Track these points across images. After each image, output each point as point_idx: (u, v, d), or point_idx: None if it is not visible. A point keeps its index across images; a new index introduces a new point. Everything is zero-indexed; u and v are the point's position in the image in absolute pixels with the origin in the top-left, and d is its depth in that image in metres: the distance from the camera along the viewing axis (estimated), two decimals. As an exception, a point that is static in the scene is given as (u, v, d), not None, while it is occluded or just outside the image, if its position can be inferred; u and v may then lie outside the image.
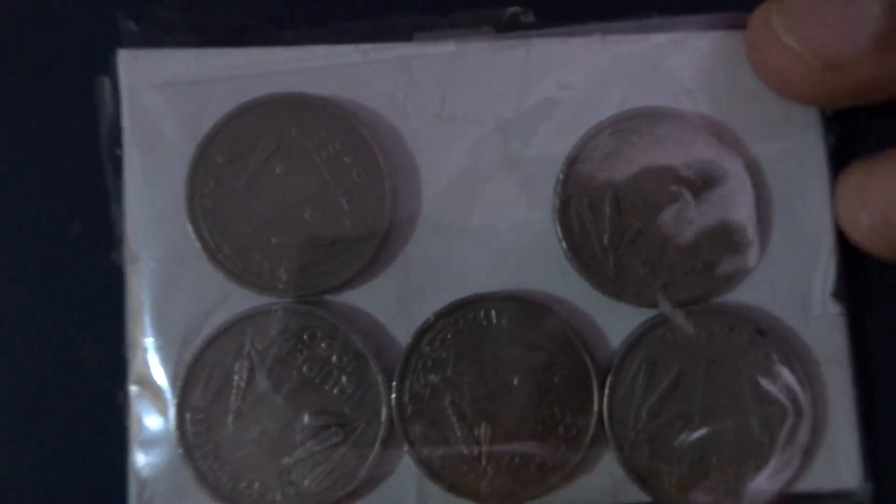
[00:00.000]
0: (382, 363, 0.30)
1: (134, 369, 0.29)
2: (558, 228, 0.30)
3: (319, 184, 0.30)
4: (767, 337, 0.30)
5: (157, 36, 0.31)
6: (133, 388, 0.29)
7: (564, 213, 0.31)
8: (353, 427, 0.29)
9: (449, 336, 0.30)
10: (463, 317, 0.30)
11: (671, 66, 0.31)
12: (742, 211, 0.31)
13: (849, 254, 0.31)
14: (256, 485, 0.29)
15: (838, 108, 0.31)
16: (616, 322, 0.31)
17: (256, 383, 0.29)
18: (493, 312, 0.30)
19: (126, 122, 0.30)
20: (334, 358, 0.29)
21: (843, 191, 0.30)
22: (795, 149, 0.31)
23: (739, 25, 0.32)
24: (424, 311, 0.30)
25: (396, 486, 0.29)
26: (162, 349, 0.29)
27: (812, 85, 0.29)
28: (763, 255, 0.31)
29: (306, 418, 0.29)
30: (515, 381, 0.30)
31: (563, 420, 0.30)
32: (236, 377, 0.29)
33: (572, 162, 0.31)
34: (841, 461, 0.30)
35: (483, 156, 0.31)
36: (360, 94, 0.31)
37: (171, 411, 0.29)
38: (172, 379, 0.29)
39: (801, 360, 0.30)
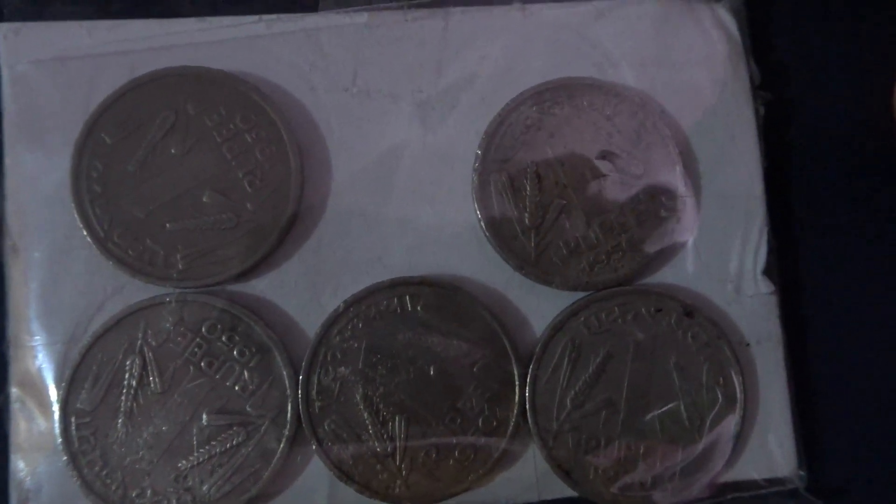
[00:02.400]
0: (290, 357, 0.20)
1: (15, 370, 0.20)
2: (477, 207, 0.20)
3: (219, 164, 0.20)
4: (695, 318, 0.20)
5: (42, 10, 0.20)
6: (14, 391, 0.20)
7: (483, 190, 0.21)
8: (256, 426, 0.19)
9: (360, 325, 0.20)
10: (375, 304, 0.20)
11: (595, 36, 0.22)
12: (669, 185, 0.21)
13: (780, 231, 0.21)
14: (149, 492, 0.20)
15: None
16: (539, 306, 0.21)
17: (149, 382, 0.19)
18: (407, 299, 0.20)
19: (6, 101, 0.21)
20: (235, 352, 0.20)
21: None
22: (724, 120, 0.22)
23: (664, -7, 0.22)
24: (336, 300, 0.21)
25: (305, 489, 0.20)
26: (47, 347, 0.20)
27: None
28: (691, 232, 0.21)
29: (205, 418, 0.19)
30: (432, 372, 0.20)
31: (482, 412, 0.20)
32: (127, 375, 0.19)
33: (491, 137, 0.21)
34: (774, 448, 0.21)
35: (398, 131, 0.21)
36: (265, 68, 0.21)
37: (55, 415, 0.19)
38: (57, 380, 0.19)
39: (731, 341, 0.21)
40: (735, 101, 0.23)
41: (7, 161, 0.22)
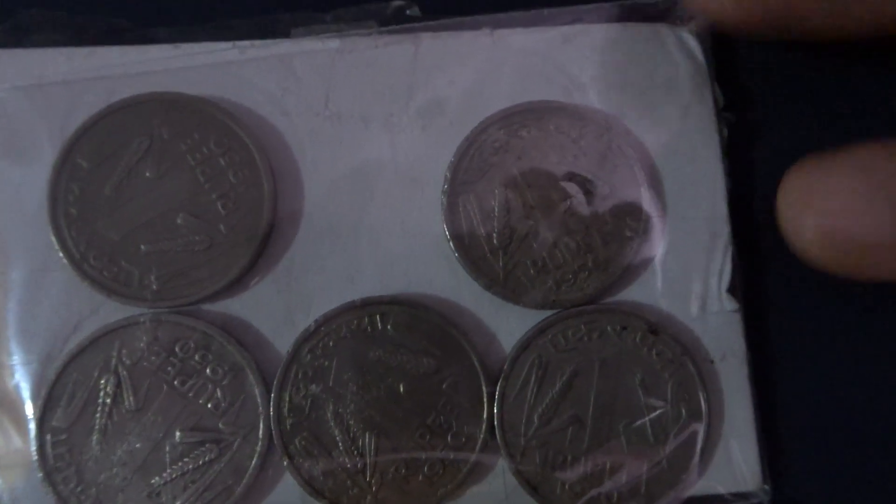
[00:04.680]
0: (262, 375, 0.20)
1: (-8, 388, 0.20)
2: (447, 229, 0.21)
3: (193, 187, 0.21)
4: (660, 335, 0.21)
5: (22, 36, 0.21)
6: (-9, 409, 0.20)
7: (452, 212, 0.21)
8: (228, 443, 0.20)
9: (331, 343, 0.21)
10: (346, 323, 0.21)
11: (562, 60, 0.23)
12: (635, 206, 0.22)
13: (745, 249, 0.22)
14: (123, 509, 0.20)
15: (753, 39, 0.23)
16: (508, 324, 0.22)
17: (123, 400, 0.20)
18: (378, 317, 0.21)
19: (-14, 125, 0.21)
20: (208, 370, 0.20)
21: (784, 195, 0.21)
22: (688, 142, 0.23)
23: (630, 17, 0.22)
24: (308, 318, 0.22)
25: (276, 505, 0.20)
26: (23, 366, 0.21)
27: (736, 10, 0.21)
28: (656, 251, 0.22)
29: (178, 435, 0.20)
30: (402, 389, 0.21)
31: (451, 428, 0.21)
32: (102, 394, 0.20)
33: (460, 159, 0.21)
34: (739, 462, 0.22)
35: (370, 154, 0.22)
36: (239, 94, 0.22)
37: (31, 432, 0.19)
38: (34, 398, 0.20)
39: (694, 358, 0.22)
40: (699, 123, 0.24)
41: (-14, 185, 0.22)
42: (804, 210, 0.20)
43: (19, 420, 0.21)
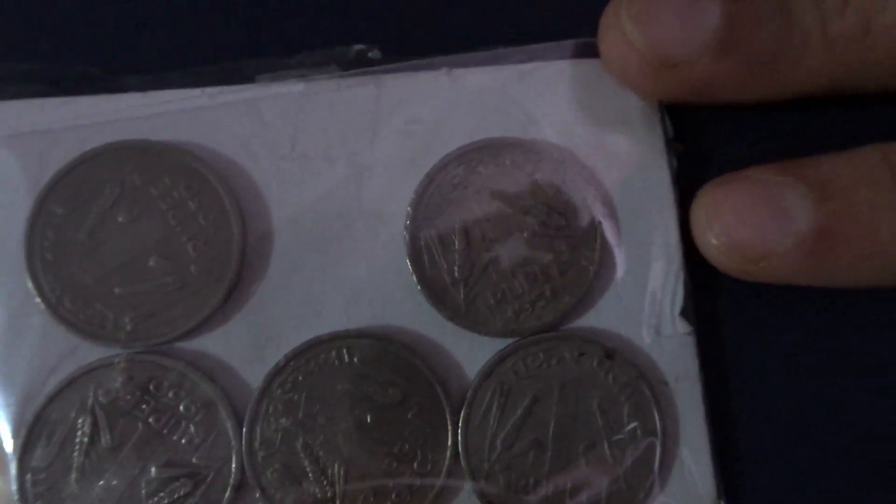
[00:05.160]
0: (235, 409, 0.21)
1: (-27, 429, 0.21)
2: (409, 263, 0.22)
3: (164, 230, 0.22)
4: (615, 360, 0.22)
5: (-2, 88, 0.22)
6: (-28, 449, 0.21)
7: (414, 247, 0.22)
8: (202, 477, 0.21)
9: (300, 378, 0.22)
10: (314, 357, 0.22)
11: (517, 97, 0.24)
12: (590, 236, 0.23)
13: (696, 273, 0.23)
14: (102, 544, 0.20)
15: (674, 104, 0.25)
16: (471, 353, 0.23)
17: (100, 438, 0.21)
18: (344, 351, 0.22)
19: (-36, 176, 0.22)
20: (182, 407, 0.21)
21: (694, 212, 0.24)
22: (640, 172, 0.24)
23: (583, 54, 0.24)
24: (278, 353, 0.22)
25: (250, 535, 0.21)
26: (3, 407, 0.22)
27: (648, 79, 0.23)
28: (612, 279, 0.23)
29: (153, 471, 0.21)
30: (369, 419, 0.22)
31: (417, 456, 0.22)
32: (79, 433, 0.21)
33: (420, 196, 0.23)
34: (695, 480, 0.23)
35: (335, 193, 0.23)
36: (208, 138, 0.23)
37: (11, 473, 0.20)
38: (14, 437, 0.21)
39: (649, 381, 0.23)
40: (650, 154, 0.25)
41: (-36, 234, 0.23)
42: (709, 226, 0.23)
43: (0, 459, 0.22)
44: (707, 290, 0.25)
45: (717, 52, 0.22)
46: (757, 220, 0.22)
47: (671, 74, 0.23)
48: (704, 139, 0.26)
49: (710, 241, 0.23)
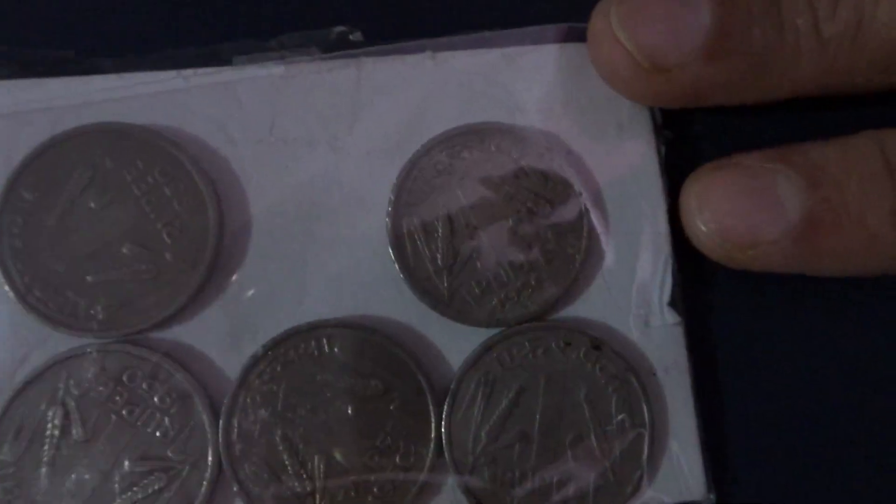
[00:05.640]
0: (212, 401, 0.21)
1: (-61, 423, 0.20)
2: (392, 250, 0.22)
3: (138, 216, 0.21)
4: (603, 350, 0.22)
5: (-36, 69, 0.21)
6: (-63, 445, 0.20)
7: (397, 234, 0.22)
8: (177, 471, 0.20)
9: (279, 368, 0.21)
10: (294, 347, 0.21)
11: (503, 81, 0.23)
12: (577, 224, 0.22)
13: (685, 263, 0.23)
14: (73, 540, 0.20)
15: (666, 108, 0.24)
16: (455, 343, 0.23)
17: (72, 430, 0.20)
18: (324, 341, 0.21)
19: (-71, 160, 0.21)
20: (156, 399, 0.21)
21: (683, 199, 0.23)
22: (628, 160, 0.23)
23: (570, 38, 0.23)
24: (255, 344, 0.22)
25: (227, 530, 0.21)
26: (-30, 399, 0.20)
27: (639, 83, 0.23)
28: (599, 268, 0.22)
29: (127, 465, 0.20)
30: (350, 411, 0.21)
31: (399, 448, 0.21)
32: (50, 426, 0.20)
33: (403, 182, 0.22)
34: (684, 472, 0.23)
35: (315, 178, 0.23)
36: (184, 122, 0.22)
37: (-22, 467, 0.20)
38: (-20, 432, 0.20)
39: (637, 371, 0.22)
40: (638, 141, 0.25)
41: (-71, 220, 0.22)
42: (698, 213, 0.22)
43: (-34, 454, 0.22)
44: (696, 280, 0.25)
45: (708, 55, 0.22)
46: (747, 208, 0.22)
47: (662, 78, 0.22)
48: (693, 127, 0.26)
49: (700, 229, 0.23)
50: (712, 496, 0.24)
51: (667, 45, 0.22)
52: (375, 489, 0.22)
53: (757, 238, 0.22)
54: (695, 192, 0.23)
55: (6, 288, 0.22)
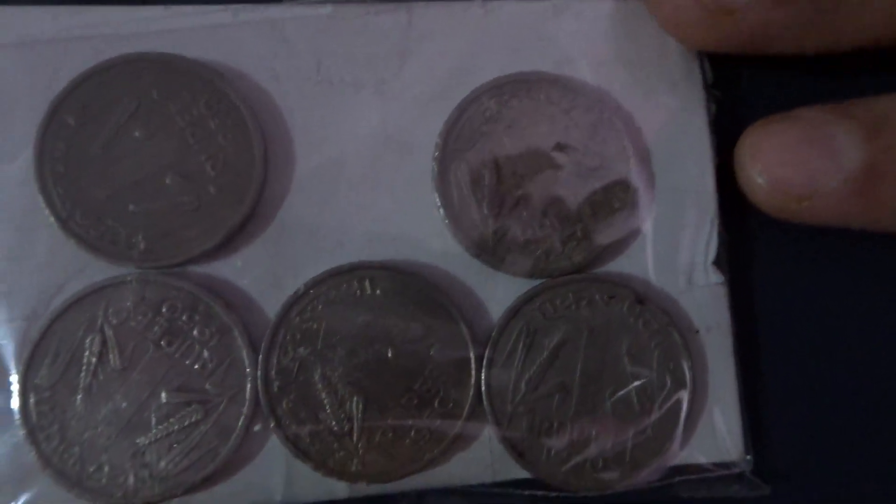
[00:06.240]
0: (250, 337, 0.20)
1: (-25, 346, 0.20)
2: (437, 196, 0.22)
3: (182, 148, 0.21)
4: (647, 305, 0.22)
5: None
6: (-27, 366, 0.20)
7: (443, 179, 0.22)
8: (214, 404, 0.20)
9: (320, 307, 0.21)
10: (335, 287, 0.21)
11: (552, 33, 0.23)
12: (623, 179, 0.22)
13: (730, 223, 0.23)
14: (107, 467, 0.20)
15: (729, 54, 0.24)
16: (496, 292, 0.22)
17: (109, 359, 0.20)
18: (367, 282, 0.21)
19: (-28, 81, 0.21)
20: (195, 331, 0.20)
21: (739, 151, 0.23)
22: (677, 117, 0.23)
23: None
24: (296, 282, 0.22)
25: (262, 467, 0.21)
26: (7, 324, 0.21)
27: (704, 27, 0.22)
28: (644, 223, 0.22)
29: (164, 395, 0.20)
30: (390, 354, 0.21)
31: (438, 393, 0.21)
32: (87, 352, 0.20)
33: (451, 127, 0.22)
34: (722, 432, 0.22)
35: (360, 120, 0.22)
36: (229, 57, 0.22)
37: (14, 390, 0.19)
38: (17, 356, 0.20)
39: (680, 328, 0.22)
40: (688, 98, 0.25)
41: (-29, 141, 0.22)
42: (754, 162, 0.22)
43: (2, 378, 0.21)
44: (741, 240, 0.25)
45: None
46: (803, 158, 0.22)
47: (727, 22, 0.22)
48: (743, 87, 0.26)
49: (755, 180, 0.22)
50: (749, 458, 0.24)
51: None
52: (412, 433, 0.22)
53: (813, 188, 0.22)
54: (750, 143, 0.23)
55: (47, 212, 0.22)
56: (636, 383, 0.23)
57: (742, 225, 0.25)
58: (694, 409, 0.24)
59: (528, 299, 0.23)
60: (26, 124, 0.22)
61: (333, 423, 0.22)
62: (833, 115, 0.22)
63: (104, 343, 0.22)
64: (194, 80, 0.23)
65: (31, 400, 0.21)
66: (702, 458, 0.24)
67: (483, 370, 0.23)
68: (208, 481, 0.22)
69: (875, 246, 0.25)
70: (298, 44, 0.24)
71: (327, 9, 0.24)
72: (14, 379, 0.21)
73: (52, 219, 0.22)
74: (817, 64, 0.25)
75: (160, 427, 0.21)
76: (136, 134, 0.22)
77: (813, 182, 0.22)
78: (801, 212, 0.22)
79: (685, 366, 0.23)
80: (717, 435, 0.24)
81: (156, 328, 0.22)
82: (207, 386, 0.22)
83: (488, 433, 0.23)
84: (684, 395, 0.23)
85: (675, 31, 0.23)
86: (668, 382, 0.23)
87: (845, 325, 0.25)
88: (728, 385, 0.24)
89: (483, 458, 0.23)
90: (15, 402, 0.21)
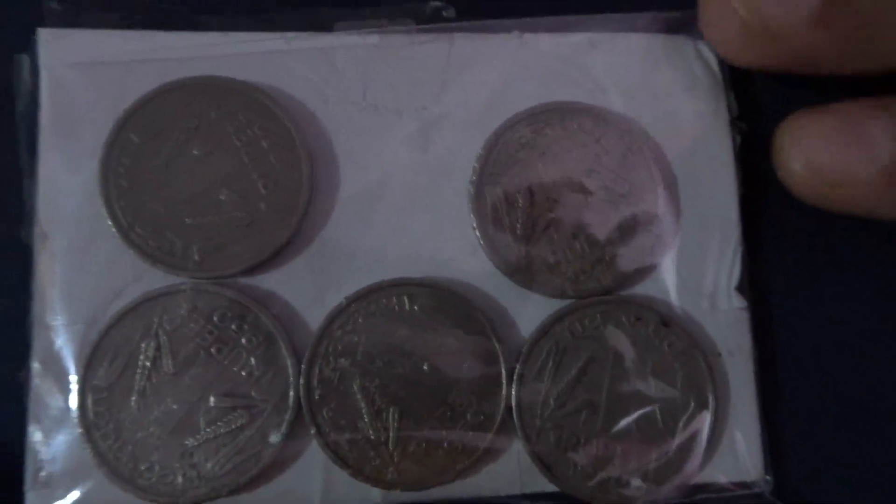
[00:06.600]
0: (293, 347, 0.22)
1: (38, 348, 0.22)
2: (473, 217, 0.23)
3: (237, 166, 0.22)
4: (671, 328, 0.23)
5: (80, 17, 0.23)
6: (36, 367, 0.22)
7: (479, 202, 0.23)
8: (259, 410, 0.22)
9: (361, 320, 0.22)
10: (375, 302, 0.22)
11: (586, 64, 0.25)
12: (651, 205, 0.24)
13: (753, 250, 0.24)
14: (157, 466, 0.21)
15: (775, 73, 0.25)
16: (527, 311, 0.24)
17: (162, 363, 0.21)
18: (405, 298, 0.22)
19: (44, 99, 0.23)
20: (244, 340, 0.22)
21: (777, 138, 0.24)
22: (704, 147, 0.25)
23: (654, 29, 0.24)
24: (338, 296, 0.23)
25: (302, 471, 0.22)
26: (68, 327, 0.22)
27: (751, 49, 0.24)
28: (670, 249, 0.24)
29: (212, 400, 0.21)
30: (425, 367, 0.22)
31: (471, 407, 0.22)
32: (142, 357, 0.21)
33: (488, 152, 0.23)
34: (742, 453, 0.23)
35: (402, 144, 0.24)
36: (282, 81, 0.24)
37: (73, 390, 0.21)
38: (77, 357, 0.21)
39: (704, 351, 0.23)
40: (714, 130, 0.26)
41: (41, 155, 0.24)
42: (793, 147, 0.24)
43: (62, 378, 0.23)
44: (762, 267, 0.26)
45: (821, 20, 0.22)
46: (840, 147, 0.23)
47: (773, 44, 0.23)
48: (768, 119, 0.27)
49: (792, 167, 0.23)
50: (769, 478, 0.25)
51: (781, 12, 0.22)
52: (446, 444, 0.23)
53: (848, 176, 0.23)
54: (789, 131, 0.24)
55: (109, 223, 0.23)
56: (660, 403, 0.24)
57: (764, 252, 0.26)
58: (716, 429, 0.25)
59: (557, 319, 0.24)
60: (93, 139, 0.24)
61: (371, 432, 0.23)
62: (870, 108, 0.23)
63: (158, 348, 0.23)
64: (250, 103, 0.24)
65: (89, 400, 0.23)
66: (722, 478, 0.25)
67: (514, 386, 0.24)
68: (251, 484, 0.23)
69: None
70: (346, 71, 0.25)
71: (374, 38, 0.26)
72: (73, 379, 0.23)
73: (113, 229, 0.23)
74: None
75: (208, 430, 0.23)
76: (195, 152, 0.24)
77: (847, 170, 0.23)
78: (833, 198, 0.23)
79: (708, 387, 0.24)
80: (737, 455, 0.25)
81: (207, 335, 0.23)
82: (253, 392, 0.23)
83: (517, 447, 0.24)
84: (706, 416, 0.24)
85: (722, 50, 0.25)
86: (692, 403, 0.24)
87: (863, 350, 0.26)
88: (749, 407, 0.25)
89: (512, 470, 0.24)
90: (74, 402, 0.23)
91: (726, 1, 0.23)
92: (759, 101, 0.27)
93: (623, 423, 0.24)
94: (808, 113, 0.24)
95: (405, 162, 0.25)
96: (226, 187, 0.24)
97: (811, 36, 0.23)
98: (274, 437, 0.23)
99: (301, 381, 0.23)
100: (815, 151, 0.23)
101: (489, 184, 0.25)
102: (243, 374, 0.23)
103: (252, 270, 0.24)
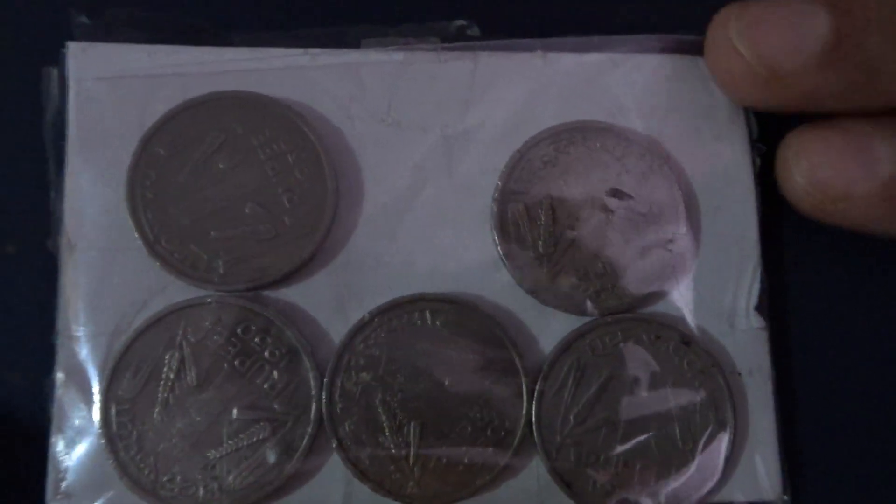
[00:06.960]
0: (316, 360, 0.22)
1: (62, 357, 0.22)
2: (495, 234, 0.23)
3: (262, 180, 0.23)
4: (691, 346, 0.23)
5: (109, 31, 0.23)
6: (60, 377, 0.22)
7: (502, 219, 0.23)
8: (281, 423, 0.22)
9: (383, 335, 0.22)
10: (398, 317, 0.23)
11: (608, 84, 0.25)
12: (672, 224, 0.24)
13: (772, 270, 0.24)
14: (179, 478, 0.21)
15: (782, 113, 0.25)
16: (548, 327, 0.24)
17: (186, 375, 0.21)
18: (427, 313, 0.23)
19: (71, 112, 0.23)
20: (267, 353, 0.22)
21: (781, 151, 0.25)
22: (723, 167, 0.25)
23: (676, 50, 0.25)
24: (360, 310, 0.23)
25: (323, 485, 0.22)
26: (93, 338, 0.22)
27: (756, 91, 0.24)
28: (690, 268, 0.24)
29: (235, 412, 0.22)
30: (447, 382, 0.22)
31: (491, 422, 0.22)
32: (166, 368, 0.22)
33: (511, 170, 0.23)
34: (761, 472, 0.23)
35: (426, 161, 0.24)
36: (307, 97, 0.24)
37: (97, 400, 0.21)
38: (101, 368, 0.22)
39: (723, 370, 0.23)
40: (733, 150, 0.26)
41: (68, 167, 0.24)
42: (796, 162, 0.24)
43: (86, 388, 0.23)
44: (781, 288, 0.26)
45: (825, 62, 0.23)
46: (842, 162, 0.23)
47: (779, 86, 0.23)
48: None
49: (795, 179, 0.24)
50: (787, 498, 0.25)
51: (785, 55, 0.23)
52: (466, 459, 0.24)
53: (849, 191, 0.23)
54: (792, 145, 0.24)
55: (135, 235, 0.23)
56: (679, 422, 0.24)
57: (783, 272, 0.26)
58: (734, 447, 0.25)
59: (578, 336, 0.25)
60: (120, 152, 0.24)
61: (392, 446, 0.23)
62: (873, 126, 0.23)
63: (182, 360, 0.23)
64: (275, 118, 0.24)
65: (113, 410, 0.23)
66: (741, 497, 0.25)
67: (534, 402, 0.24)
68: (272, 496, 0.23)
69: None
70: (372, 87, 0.26)
71: (400, 55, 0.26)
72: (97, 390, 0.23)
73: (139, 241, 0.23)
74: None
75: (230, 442, 0.23)
76: (221, 165, 0.24)
77: (849, 185, 0.23)
78: (834, 212, 0.23)
79: (727, 406, 0.25)
80: (756, 475, 0.25)
81: (230, 348, 0.23)
82: (275, 405, 0.23)
83: (536, 463, 0.24)
84: (725, 435, 0.24)
85: (728, 91, 0.25)
86: (711, 422, 0.25)
87: (883, 371, 0.26)
88: (767, 426, 0.25)
89: (530, 486, 0.24)
90: (97, 412, 0.23)
91: (730, 43, 0.23)
92: (777, 123, 0.27)
93: (642, 440, 0.24)
94: (811, 127, 0.24)
95: (428, 178, 0.25)
96: (251, 201, 0.24)
97: (815, 77, 0.23)
98: (271, 456, 0.23)
99: (323, 394, 0.23)
100: (817, 166, 0.23)
101: (511, 201, 0.25)
102: (266, 386, 0.23)
103: (276, 284, 0.24)
